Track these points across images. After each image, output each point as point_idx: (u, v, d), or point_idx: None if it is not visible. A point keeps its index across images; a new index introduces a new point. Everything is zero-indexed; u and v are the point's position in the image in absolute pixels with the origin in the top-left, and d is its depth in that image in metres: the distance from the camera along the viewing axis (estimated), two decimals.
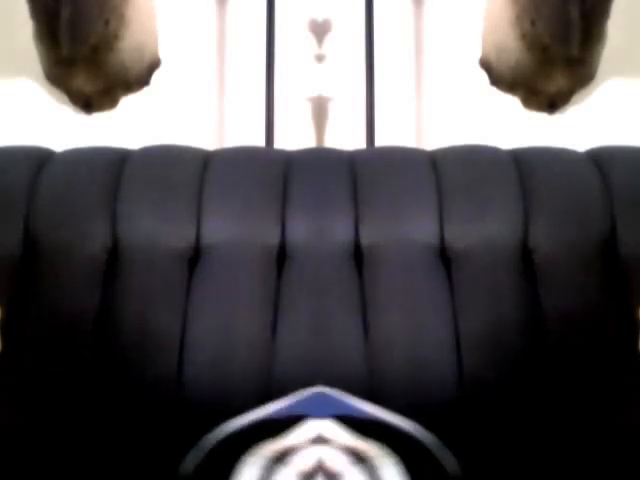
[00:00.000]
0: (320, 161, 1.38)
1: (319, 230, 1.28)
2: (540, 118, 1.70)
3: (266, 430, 0.81)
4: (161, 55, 1.72)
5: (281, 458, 0.76)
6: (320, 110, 1.76)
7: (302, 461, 0.76)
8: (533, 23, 1.55)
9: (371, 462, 0.76)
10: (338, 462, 0.77)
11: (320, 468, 0.76)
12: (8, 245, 1.26)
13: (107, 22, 1.54)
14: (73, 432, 1.16)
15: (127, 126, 1.70)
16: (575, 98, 1.68)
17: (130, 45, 1.61)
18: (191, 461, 0.81)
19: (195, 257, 1.26)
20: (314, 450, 0.78)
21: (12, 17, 1.63)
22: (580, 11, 1.52)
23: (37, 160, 1.34)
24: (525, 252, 1.26)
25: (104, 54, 1.58)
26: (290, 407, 0.85)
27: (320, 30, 1.77)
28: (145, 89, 1.72)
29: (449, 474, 0.80)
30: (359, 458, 0.77)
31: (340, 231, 1.28)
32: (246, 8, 1.80)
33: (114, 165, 1.32)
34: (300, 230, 1.27)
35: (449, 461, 0.81)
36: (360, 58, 1.78)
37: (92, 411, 1.18)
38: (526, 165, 1.33)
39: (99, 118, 1.70)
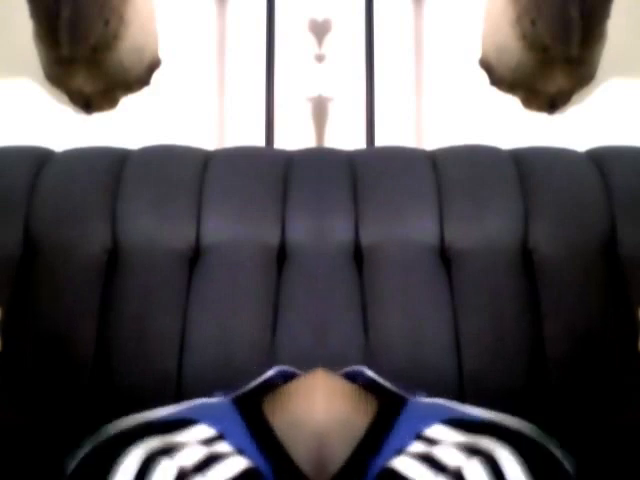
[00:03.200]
0: (320, 161, 1.38)
1: (319, 230, 1.28)
2: (540, 118, 1.70)
3: (158, 431, 0.81)
4: (161, 55, 1.72)
5: (166, 451, 0.76)
6: (320, 110, 1.76)
7: (187, 457, 0.76)
8: (533, 23, 1.55)
9: (487, 453, 0.76)
10: (453, 458, 0.76)
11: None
12: (8, 245, 1.26)
13: (107, 22, 1.54)
14: (73, 432, 1.16)
15: (127, 126, 1.70)
16: (575, 98, 1.68)
17: (130, 45, 1.61)
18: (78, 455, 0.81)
19: (195, 257, 1.26)
20: (199, 449, 0.77)
21: (12, 17, 1.63)
22: (580, 11, 1.52)
23: (37, 160, 1.34)
24: (525, 252, 1.26)
25: (104, 54, 1.58)
26: (182, 412, 0.85)
27: (320, 30, 1.77)
28: (145, 89, 1.72)
29: (566, 470, 0.79)
30: (473, 451, 0.77)
31: (340, 231, 1.28)
32: (246, 8, 1.80)
33: (114, 165, 1.32)
34: (300, 230, 1.27)
35: (560, 455, 0.80)
36: (360, 58, 1.78)
37: (92, 411, 1.18)
38: (526, 165, 1.33)
39: (99, 118, 1.70)
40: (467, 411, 0.87)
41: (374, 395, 0.88)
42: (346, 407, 0.83)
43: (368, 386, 0.90)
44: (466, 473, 0.75)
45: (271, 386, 0.90)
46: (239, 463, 0.77)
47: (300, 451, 0.78)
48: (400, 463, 0.78)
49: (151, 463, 0.75)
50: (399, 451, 0.79)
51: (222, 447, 0.79)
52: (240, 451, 0.79)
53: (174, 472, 0.74)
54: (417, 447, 0.79)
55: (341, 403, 0.83)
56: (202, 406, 0.89)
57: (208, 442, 0.79)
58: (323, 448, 0.76)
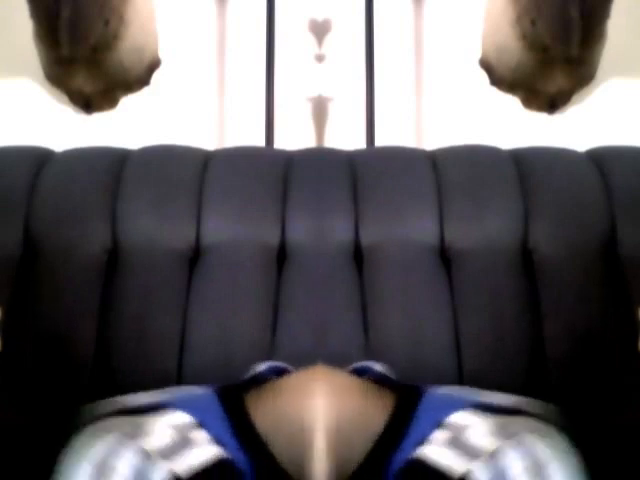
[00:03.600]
0: (320, 161, 1.38)
1: (319, 230, 1.28)
2: (540, 118, 1.70)
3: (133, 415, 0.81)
4: (161, 55, 1.72)
5: (135, 435, 0.77)
6: (320, 110, 1.76)
7: (155, 441, 0.77)
8: (533, 23, 1.55)
9: (517, 436, 0.76)
10: (485, 442, 0.77)
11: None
12: (8, 245, 1.26)
13: (107, 22, 1.54)
14: (73, 432, 1.16)
15: (127, 126, 1.70)
16: (575, 98, 1.68)
17: (130, 45, 1.61)
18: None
19: (195, 257, 1.26)
20: (170, 435, 0.78)
21: (12, 17, 1.63)
22: (580, 11, 1.52)
23: (37, 160, 1.34)
24: (525, 252, 1.26)
25: (104, 54, 1.58)
26: (162, 398, 0.86)
27: (320, 30, 1.77)
28: (145, 89, 1.72)
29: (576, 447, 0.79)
30: (504, 435, 0.77)
31: (340, 231, 1.28)
32: (246, 8, 1.80)
33: (114, 165, 1.32)
34: (300, 230, 1.27)
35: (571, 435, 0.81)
36: (360, 58, 1.78)
37: None
38: (526, 165, 1.33)
39: (99, 118, 1.70)
40: (486, 398, 0.86)
41: (389, 389, 0.87)
42: (358, 402, 0.82)
43: (379, 380, 0.90)
44: (502, 456, 0.75)
45: (260, 381, 0.90)
46: (211, 452, 0.77)
47: (285, 448, 0.77)
48: (429, 452, 0.77)
49: (119, 446, 0.75)
50: (421, 442, 0.78)
51: (197, 435, 0.79)
52: (216, 441, 0.78)
53: (140, 456, 0.75)
54: (442, 435, 0.79)
55: (351, 399, 0.82)
56: (184, 394, 0.89)
57: (182, 428, 0.79)
58: (336, 446, 0.75)
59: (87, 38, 1.54)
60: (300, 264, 1.25)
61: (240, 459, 0.77)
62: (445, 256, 1.26)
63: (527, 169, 1.32)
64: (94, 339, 1.20)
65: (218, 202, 1.30)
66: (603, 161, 1.33)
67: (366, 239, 1.27)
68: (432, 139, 1.72)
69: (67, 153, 1.38)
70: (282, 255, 1.26)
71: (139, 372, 1.19)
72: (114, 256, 1.25)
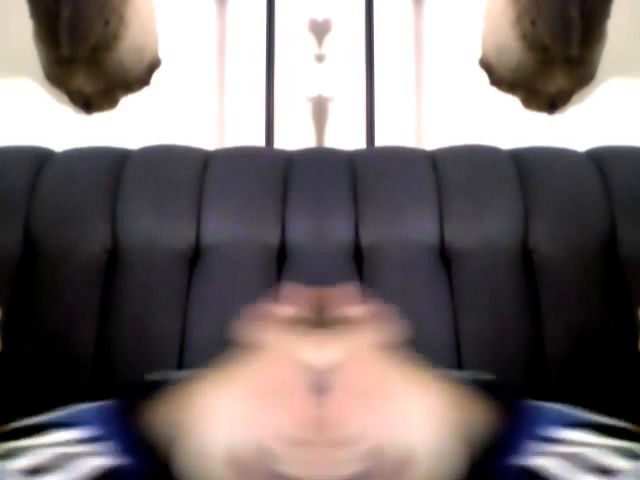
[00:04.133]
0: (320, 161, 1.38)
1: (319, 230, 1.28)
2: (540, 118, 1.70)
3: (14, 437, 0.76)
4: (161, 55, 1.72)
5: (6, 456, 0.73)
6: (320, 110, 1.76)
7: (32, 459, 0.72)
8: (533, 23, 1.55)
9: None
10: (608, 460, 0.70)
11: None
12: (8, 245, 1.26)
13: (107, 22, 1.54)
14: None
15: (127, 126, 1.71)
16: (575, 98, 1.68)
17: (130, 45, 1.61)
18: None
19: (195, 257, 1.26)
20: (51, 451, 0.72)
21: (12, 17, 1.63)
22: (580, 11, 1.52)
23: (37, 160, 1.34)
24: (525, 252, 1.26)
25: (104, 54, 1.58)
26: (53, 416, 0.80)
27: (320, 30, 1.77)
28: (145, 89, 1.72)
29: None
30: (630, 455, 0.71)
31: (340, 231, 1.28)
32: (246, 8, 1.80)
33: (114, 165, 1.32)
34: (300, 230, 1.27)
35: None
36: (360, 58, 1.78)
37: None
38: (526, 165, 1.32)
39: (99, 118, 1.70)
40: (581, 415, 0.80)
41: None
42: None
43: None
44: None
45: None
46: (94, 463, 0.71)
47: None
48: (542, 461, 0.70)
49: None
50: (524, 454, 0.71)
51: (81, 449, 0.73)
52: (108, 453, 0.72)
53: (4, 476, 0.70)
54: (553, 448, 0.71)
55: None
56: (84, 409, 0.83)
57: (66, 444, 0.74)
58: None
59: (87, 38, 1.54)
60: (300, 264, 1.25)
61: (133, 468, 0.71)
62: (445, 256, 1.26)
63: (527, 169, 1.32)
64: (94, 339, 1.20)
65: (218, 202, 1.30)
66: (603, 161, 1.33)
67: (366, 239, 1.27)
68: (432, 139, 1.73)
69: (67, 153, 1.38)
70: (282, 255, 1.26)
71: (139, 372, 1.19)
72: (114, 256, 1.25)
